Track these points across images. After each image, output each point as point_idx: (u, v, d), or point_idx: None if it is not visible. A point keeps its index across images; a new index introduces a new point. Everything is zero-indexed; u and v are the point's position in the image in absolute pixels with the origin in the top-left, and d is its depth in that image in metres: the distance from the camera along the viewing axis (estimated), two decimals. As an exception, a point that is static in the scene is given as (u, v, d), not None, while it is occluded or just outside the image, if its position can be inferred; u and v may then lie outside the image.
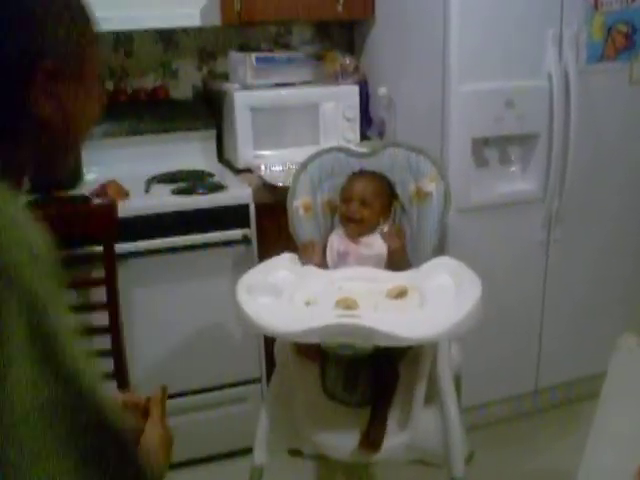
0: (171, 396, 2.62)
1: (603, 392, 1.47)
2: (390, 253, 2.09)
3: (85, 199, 2.43)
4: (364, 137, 2.93)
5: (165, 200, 2.44)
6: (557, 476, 2.50)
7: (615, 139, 2.71)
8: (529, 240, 2.68)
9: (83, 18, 1.05)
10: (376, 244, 2.12)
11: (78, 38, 1.02)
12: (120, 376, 2.22)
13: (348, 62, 2.90)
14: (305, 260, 2.11)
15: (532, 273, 2.74)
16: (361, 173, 2.20)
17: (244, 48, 2.94)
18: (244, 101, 2.72)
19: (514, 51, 2.45)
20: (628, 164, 2.77)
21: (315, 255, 2.12)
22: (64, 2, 1.00)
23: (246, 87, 2.75)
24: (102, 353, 2.22)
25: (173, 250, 2.40)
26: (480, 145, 2.55)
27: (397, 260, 2.09)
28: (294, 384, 2.06)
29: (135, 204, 2.39)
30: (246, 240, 2.47)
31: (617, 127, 2.69)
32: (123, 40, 2.91)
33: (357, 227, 2.12)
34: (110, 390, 0.97)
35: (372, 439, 1.91)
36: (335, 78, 2.89)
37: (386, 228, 2.12)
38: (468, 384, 2.49)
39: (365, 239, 2.13)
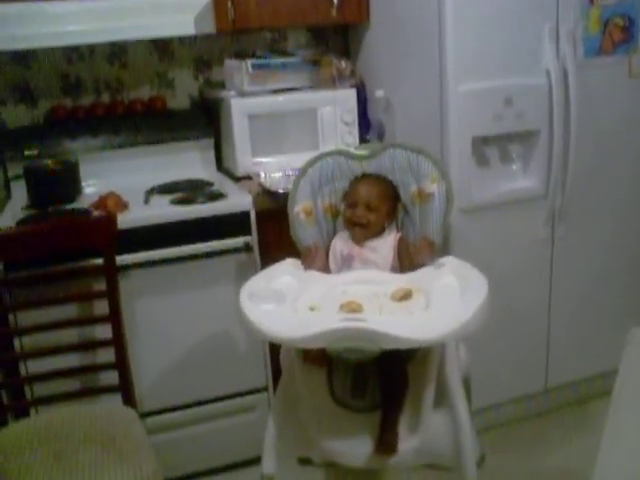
0: (177, 408, 2.62)
1: (615, 389, 1.44)
2: (413, 265, 2.06)
3: (84, 212, 2.42)
4: (363, 140, 2.92)
5: (165, 210, 2.43)
6: (570, 475, 2.48)
7: (616, 133, 2.69)
8: (533, 238, 2.66)
9: None
10: (381, 248, 2.10)
11: None
12: (125, 389, 2.20)
13: (344, 66, 2.89)
14: (307, 265, 2.09)
15: (537, 271, 2.72)
16: (365, 177, 2.18)
17: (240, 55, 2.93)
18: (241, 108, 2.71)
19: (511, 49, 2.43)
20: (630, 158, 2.75)
21: (318, 259, 2.10)
22: None
23: (243, 94, 2.74)
24: (106, 366, 2.21)
25: (174, 260, 2.39)
26: (480, 144, 2.53)
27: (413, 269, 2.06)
28: (301, 391, 2.03)
29: (135, 215, 2.37)
30: (248, 247, 2.45)
31: (617, 121, 2.68)
32: (118, 51, 2.90)
33: (363, 231, 2.10)
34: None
35: (387, 443, 1.89)
36: (332, 82, 2.88)
37: (412, 241, 2.11)
38: (477, 385, 2.46)
39: (370, 242, 2.11)
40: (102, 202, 2.43)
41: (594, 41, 2.53)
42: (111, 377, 2.21)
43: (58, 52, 2.82)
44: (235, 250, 2.45)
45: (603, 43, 2.54)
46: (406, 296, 1.86)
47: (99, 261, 2.18)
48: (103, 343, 2.21)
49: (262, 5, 2.68)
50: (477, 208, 2.52)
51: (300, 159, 2.33)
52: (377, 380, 1.98)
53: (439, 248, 2.14)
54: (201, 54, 3.03)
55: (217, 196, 2.51)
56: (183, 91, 3.04)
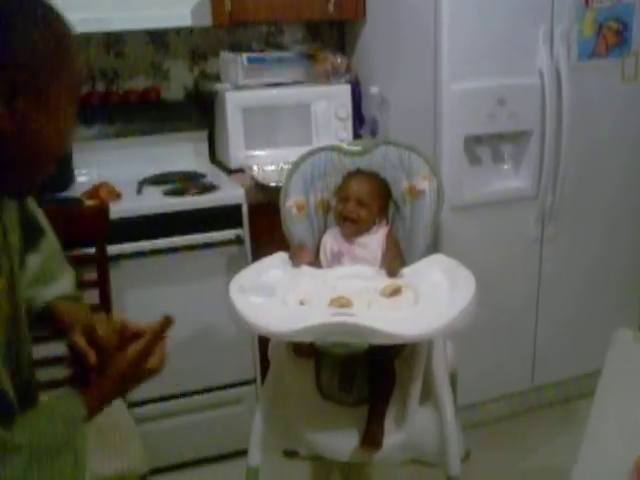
0: (166, 398, 2.62)
1: (599, 388, 1.46)
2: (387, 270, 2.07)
3: (77, 201, 2.42)
4: (357, 136, 2.93)
5: (157, 201, 2.43)
6: (553, 474, 2.49)
7: (608, 136, 2.71)
8: (523, 237, 2.68)
9: (61, 41, 1.05)
10: (370, 244, 2.11)
11: (49, 56, 1.03)
12: (114, 378, 2.21)
13: (340, 61, 2.89)
14: (295, 262, 2.10)
15: (526, 270, 2.74)
16: (358, 173, 2.19)
17: (235, 48, 2.93)
18: (236, 101, 2.71)
19: (506, 49, 2.45)
20: (621, 160, 2.77)
21: (305, 257, 2.11)
22: (45, 20, 1.02)
23: (237, 87, 2.75)
24: (95, 355, 2.21)
25: (166, 251, 2.39)
26: (472, 143, 2.55)
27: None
28: (289, 384, 2.05)
29: (127, 205, 2.38)
30: (239, 240, 2.46)
31: (609, 124, 2.69)
32: (114, 41, 2.90)
33: (353, 227, 2.11)
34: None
35: (372, 437, 1.90)
36: (327, 77, 2.88)
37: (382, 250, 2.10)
38: (463, 383, 2.48)
39: (360, 239, 2.12)
40: (95, 191, 2.43)
41: (588, 44, 2.55)
42: (100, 366, 2.21)
43: (54, 40, 2.81)
44: (226, 243, 2.45)
45: (597, 46, 2.56)
46: (395, 292, 1.87)
47: (90, 250, 2.19)
48: (93, 332, 2.21)
49: (259, -1, 2.68)
50: (468, 206, 2.54)
51: (293, 153, 2.34)
52: (365, 375, 2.00)
53: (429, 246, 2.15)
54: (197, 46, 3.03)
55: (210, 188, 2.51)
56: (178, 82, 3.04)
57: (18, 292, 1.24)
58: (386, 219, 2.21)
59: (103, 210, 2.19)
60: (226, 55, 2.86)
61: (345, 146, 2.28)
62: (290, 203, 2.20)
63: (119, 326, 1.36)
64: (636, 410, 1.38)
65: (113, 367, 1.27)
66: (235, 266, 2.30)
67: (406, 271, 2.02)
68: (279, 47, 3.02)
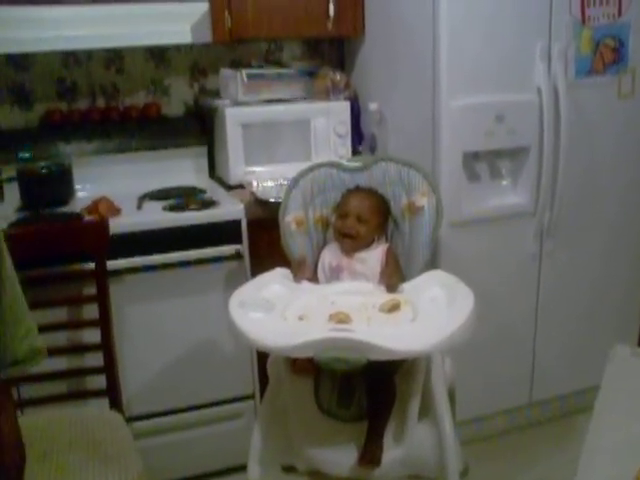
0: (164, 413, 2.62)
1: (597, 403, 1.46)
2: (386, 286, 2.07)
3: (77, 216, 2.43)
4: (355, 152, 2.94)
5: (157, 217, 2.44)
6: (552, 489, 2.50)
7: (605, 152, 2.72)
8: (521, 253, 2.68)
9: None
10: (370, 259, 2.11)
11: None
12: (112, 393, 2.21)
13: (339, 78, 2.92)
14: (297, 277, 2.11)
15: (525, 286, 2.74)
16: (358, 189, 2.20)
17: (235, 65, 2.95)
18: (235, 117, 2.73)
19: (504, 65, 2.46)
20: (619, 176, 2.78)
21: (305, 272, 2.12)
22: None
23: (237, 103, 2.77)
24: (94, 370, 2.22)
25: (165, 266, 2.40)
26: (471, 159, 2.56)
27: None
28: (288, 399, 2.05)
29: (127, 221, 2.38)
30: (238, 256, 2.46)
31: (607, 140, 2.71)
32: (114, 57, 2.91)
33: (352, 243, 2.12)
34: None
35: (371, 455, 1.90)
36: (326, 94, 2.90)
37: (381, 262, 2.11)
38: (462, 398, 2.48)
39: (359, 254, 2.12)
40: (94, 207, 2.44)
41: (585, 61, 2.57)
42: (99, 381, 2.21)
43: (55, 56, 2.83)
44: (226, 258, 2.46)
45: (594, 63, 2.58)
46: (394, 308, 1.88)
47: (90, 265, 2.19)
48: (92, 347, 2.22)
49: (259, 16, 2.70)
50: (466, 222, 2.54)
51: (292, 169, 2.35)
52: (364, 390, 2.00)
53: (427, 261, 2.16)
54: (197, 62, 3.05)
55: (209, 204, 2.52)
56: (178, 98, 3.06)
57: None
58: (385, 236, 2.22)
59: (103, 225, 2.20)
60: (226, 71, 2.88)
61: (344, 162, 2.29)
62: (289, 219, 2.21)
63: None
64: (634, 425, 1.39)
65: None
66: (234, 281, 2.30)
67: (405, 287, 2.02)
68: (278, 64, 3.04)
